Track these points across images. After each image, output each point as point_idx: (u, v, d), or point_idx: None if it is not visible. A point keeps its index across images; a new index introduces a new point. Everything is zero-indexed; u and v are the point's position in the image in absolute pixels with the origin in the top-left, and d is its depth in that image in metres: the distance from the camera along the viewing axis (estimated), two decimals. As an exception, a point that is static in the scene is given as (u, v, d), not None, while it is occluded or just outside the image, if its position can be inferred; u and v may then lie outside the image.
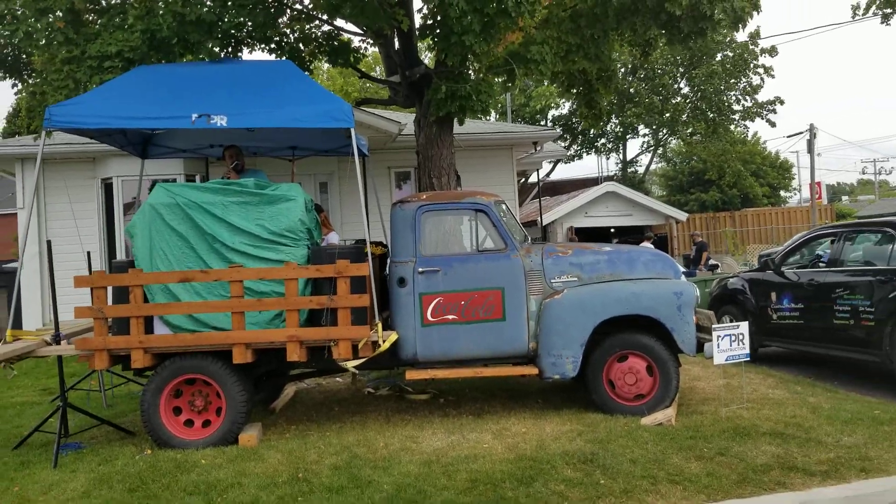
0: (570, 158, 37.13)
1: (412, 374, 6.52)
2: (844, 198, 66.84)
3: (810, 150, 37.78)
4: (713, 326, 6.33)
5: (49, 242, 6.70)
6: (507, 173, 14.72)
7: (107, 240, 13.16)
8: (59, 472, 5.76)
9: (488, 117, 11.36)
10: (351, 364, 6.24)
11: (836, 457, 5.34)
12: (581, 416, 6.56)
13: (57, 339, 6.43)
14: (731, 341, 6.35)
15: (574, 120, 32.77)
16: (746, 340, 6.44)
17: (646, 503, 4.71)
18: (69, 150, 12.86)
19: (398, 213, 6.71)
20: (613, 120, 33.24)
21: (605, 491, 4.90)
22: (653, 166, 44.11)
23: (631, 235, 21.98)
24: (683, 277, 6.99)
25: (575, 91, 9.81)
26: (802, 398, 7.15)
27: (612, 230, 23.30)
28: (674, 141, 38.81)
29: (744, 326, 6.45)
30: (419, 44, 9.45)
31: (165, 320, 6.36)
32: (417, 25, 9.06)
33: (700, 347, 6.58)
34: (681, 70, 31.57)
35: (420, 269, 6.50)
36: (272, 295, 6.35)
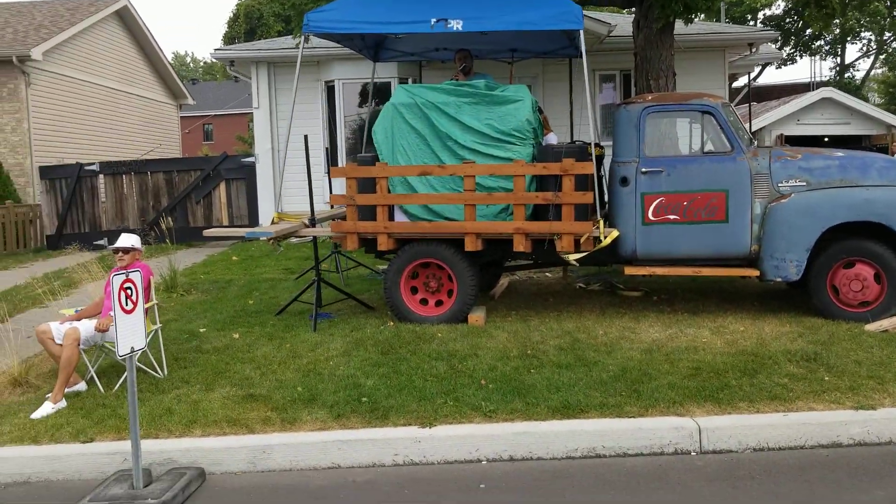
0: (782, 63, 34.55)
1: (631, 270, 6.83)
2: None
3: None
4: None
5: (306, 137, 7.50)
6: (719, 76, 14.17)
7: (329, 138, 14.26)
8: (319, 335, 6.70)
9: (700, 17, 10.93)
10: (572, 257, 6.65)
11: None
12: (800, 319, 6.61)
13: (313, 223, 7.32)
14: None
15: (788, 21, 30.32)
16: None
17: (873, 400, 4.82)
18: (296, 54, 13.91)
19: (623, 113, 6.89)
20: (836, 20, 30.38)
21: (830, 387, 5.04)
22: (872, 72, 40.11)
23: (847, 145, 20.48)
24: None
25: None
26: None
27: (826, 139, 21.79)
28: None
29: None
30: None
31: (405, 209, 7.05)
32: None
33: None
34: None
35: (643, 170, 6.69)
36: (499, 190, 6.83)
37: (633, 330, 6.52)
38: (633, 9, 9.46)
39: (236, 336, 6.86)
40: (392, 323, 6.94)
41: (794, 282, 6.57)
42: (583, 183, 6.59)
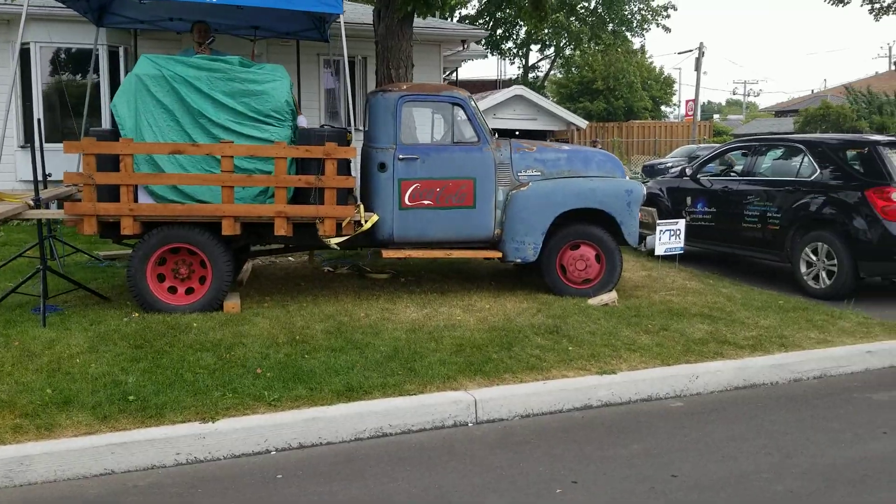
0: (472, 59, 37.27)
1: (388, 254, 7.04)
2: (716, 116, 70.45)
3: (697, 67, 39.66)
4: (658, 222, 7.17)
5: (39, 121, 6.58)
6: (435, 70, 14.98)
7: (22, 109, 12.58)
8: (51, 331, 5.95)
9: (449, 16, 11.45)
10: (333, 241, 6.67)
11: (758, 335, 6.36)
12: (534, 296, 7.33)
13: (38, 203, 6.47)
14: (670, 236, 7.23)
15: (480, 21, 32.82)
16: (682, 236, 7.34)
17: (612, 365, 5.54)
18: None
19: (379, 100, 7.04)
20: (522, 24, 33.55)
21: (575, 355, 5.69)
22: (551, 74, 45.00)
23: (534, 138, 22.80)
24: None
25: None
26: (716, 289, 8.21)
27: (517, 133, 24.04)
28: (568, 49, 39.71)
29: (681, 223, 7.34)
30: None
31: (150, 190, 6.53)
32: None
33: (641, 240, 7.43)
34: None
35: (400, 156, 6.92)
36: (257, 172, 6.62)
37: (391, 311, 6.73)
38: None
39: (-56, 335, 5.85)
40: (137, 314, 6.40)
41: (532, 262, 7.26)
42: (344, 167, 6.63)
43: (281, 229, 6.51)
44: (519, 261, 7.17)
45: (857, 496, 3.81)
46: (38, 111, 12.31)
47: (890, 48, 51.94)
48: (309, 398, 4.80)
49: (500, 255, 7.17)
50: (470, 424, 4.84)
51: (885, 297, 8.38)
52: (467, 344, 5.83)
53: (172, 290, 6.58)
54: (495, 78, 36.69)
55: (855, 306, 7.53)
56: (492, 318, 6.59)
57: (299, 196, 6.69)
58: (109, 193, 6.36)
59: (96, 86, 12.38)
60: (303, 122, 7.95)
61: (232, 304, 6.61)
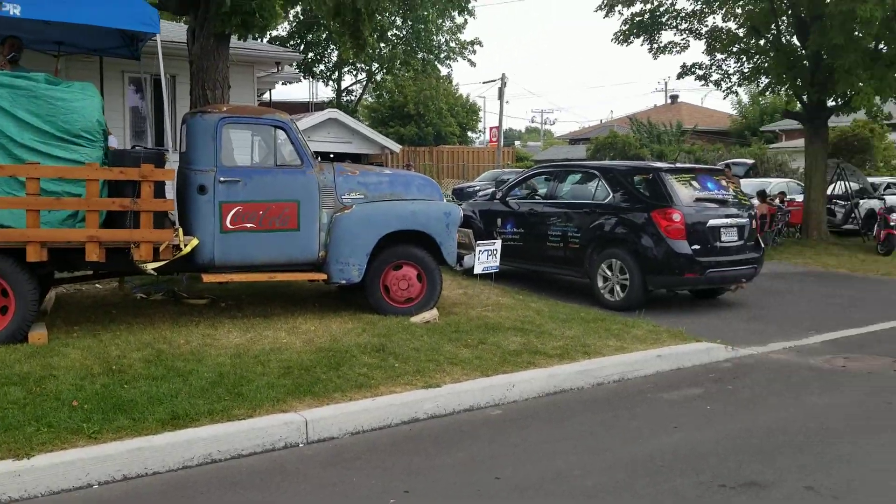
0: (287, 82, 36.98)
1: (209, 278, 6.92)
2: (517, 142, 74.31)
3: (500, 96, 41.80)
4: (477, 242, 7.60)
5: None
6: (248, 91, 14.80)
7: None
8: None
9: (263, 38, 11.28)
10: (150, 266, 6.47)
11: (564, 344, 6.92)
12: (359, 316, 7.49)
13: None
14: (488, 255, 7.69)
15: (291, 43, 32.68)
16: (499, 255, 7.82)
17: (436, 379, 5.82)
18: None
19: (198, 122, 6.93)
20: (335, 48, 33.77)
21: (401, 372, 5.91)
22: (363, 99, 45.53)
23: (350, 161, 23.03)
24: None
25: (344, 19, 10.25)
26: (526, 304, 8.79)
27: (332, 156, 24.15)
28: (380, 74, 40.48)
29: (497, 244, 7.83)
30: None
31: (-56, 215, 6.00)
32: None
33: (459, 260, 7.83)
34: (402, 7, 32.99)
35: (221, 179, 6.85)
36: (64, 195, 6.28)
37: (213, 337, 6.62)
38: (187, 17, 9.42)
39: None
40: (-75, 349, 5.85)
41: (355, 283, 7.42)
42: (160, 190, 6.46)
43: (93, 255, 6.22)
44: (344, 282, 7.31)
45: (655, 485, 4.31)
46: None
47: (666, 83, 57.56)
48: (132, 428, 4.65)
49: (325, 276, 7.27)
50: (301, 445, 4.90)
51: (671, 307, 9.37)
52: (295, 366, 5.87)
53: (-33, 321, 6.07)
54: (307, 100, 36.61)
55: (645, 316, 8.36)
56: (318, 339, 6.67)
57: (112, 219, 6.43)
58: None
59: None
60: (113, 142, 7.63)
61: (38, 334, 6.20)
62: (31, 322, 6.19)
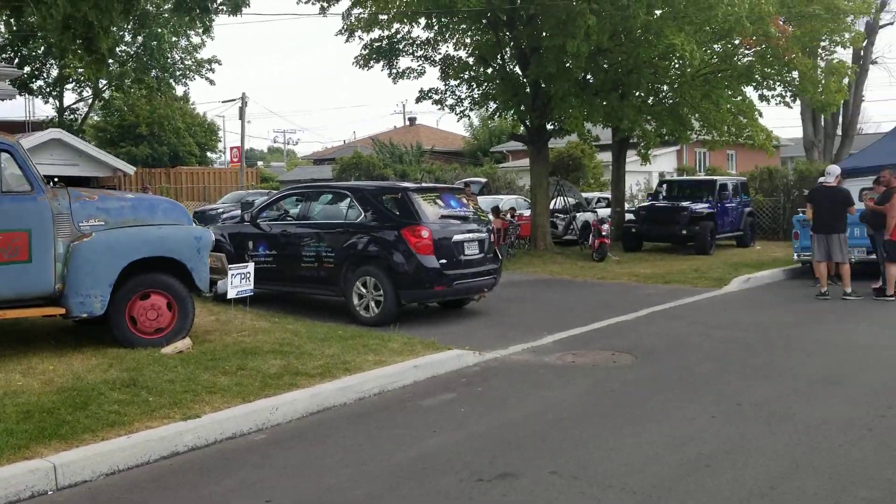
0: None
1: (-80, 319, 6.10)
2: (260, 163, 73.08)
3: (241, 116, 40.93)
4: (229, 266, 7.46)
5: None
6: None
7: None
8: None
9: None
10: None
11: (325, 363, 7.03)
12: (104, 350, 7.03)
13: None
14: (241, 279, 7.58)
15: (5, 56, 29.44)
16: (252, 278, 7.74)
17: (195, 409, 5.65)
18: None
19: None
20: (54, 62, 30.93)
21: (157, 405, 5.67)
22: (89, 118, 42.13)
23: (80, 185, 21.28)
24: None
25: (75, 33, 9.41)
26: (283, 326, 8.78)
27: (56, 180, 22.13)
28: (108, 92, 37.81)
29: (251, 267, 7.75)
30: None
31: None
32: None
33: (212, 285, 7.64)
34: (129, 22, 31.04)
35: (-68, 208, 6.10)
36: None
37: (-71, 386, 5.86)
38: None
39: None
40: None
41: (97, 316, 6.95)
42: None
43: None
44: (85, 315, 6.82)
45: (421, 487, 4.57)
46: None
47: (404, 105, 60.09)
48: None
49: (62, 311, 6.74)
50: (51, 492, 4.53)
51: (422, 319, 9.87)
52: (35, 409, 5.40)
53: None
54: (24, 119, 33.11)
55: (399, 329, 8.74)
56: (58, 378, 6.17)
57: None
58: None
59: None
60: None
61: None
62: None
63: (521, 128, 19.79)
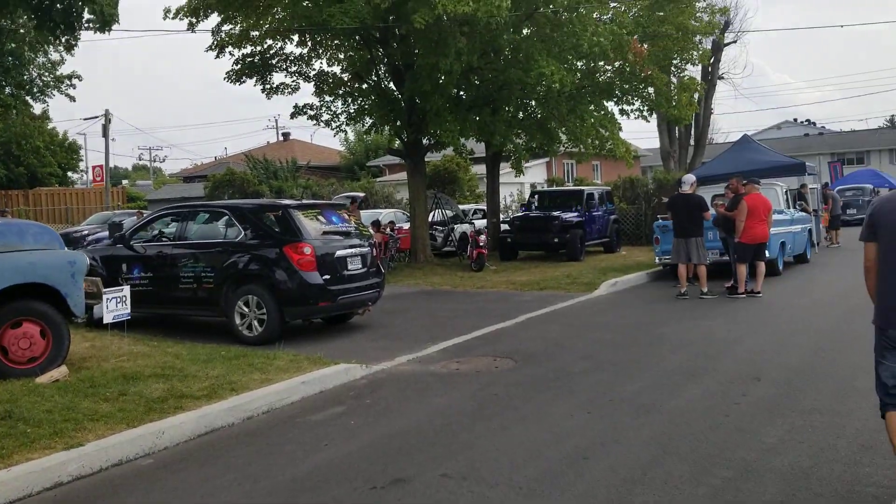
0: None
1: None
2: (125, 181, 70.09)
3: (105, 133, 39.19)
4: (104, 290, 7.27)
5: None
6: None
7: None
8: None
9: None
10: None
11: (210, 384, 6.97)
12: (-29, 385, 6.69)
13: None
14: (117, 303, 7.40)
15: None
16: (129, 302, 7.57)
17: (78, 438, 5.51)
18: None
19: None
20: None
21: (36, 436, 5.49)
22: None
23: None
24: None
25: None
26: (163, 349, 8.58)
27: None
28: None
29: (126, 290, 7.58)
30: None
31: None
32: None
33: (87, 310, 7.42)
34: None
35: None
36: None
37: None
38: None
39: None
40: None
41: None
42: None
43: None
44: (-52, 348, 6.47)
45: (316, 498, 4.68)
46: None
47: (276, 120, 59.29)
48: None
49: (-80, 345, 6.37)
50: (-78, 536, 4.34)
51: (307, 336, 9.90)
52: None
53: None
54: None
55: (284, 347, 8.75)
56: (-78, 416, 5.83)
57: None
58: None
59: None
60: None
61: None
62: None
63: (398, 142, 20.10)
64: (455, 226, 21.64)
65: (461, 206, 24.41)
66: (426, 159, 20.68)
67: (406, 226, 20.43)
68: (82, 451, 5.32)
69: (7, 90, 28.33)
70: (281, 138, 54.02)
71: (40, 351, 7.04)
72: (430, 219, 20.47)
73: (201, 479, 5.09)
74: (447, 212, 22.14)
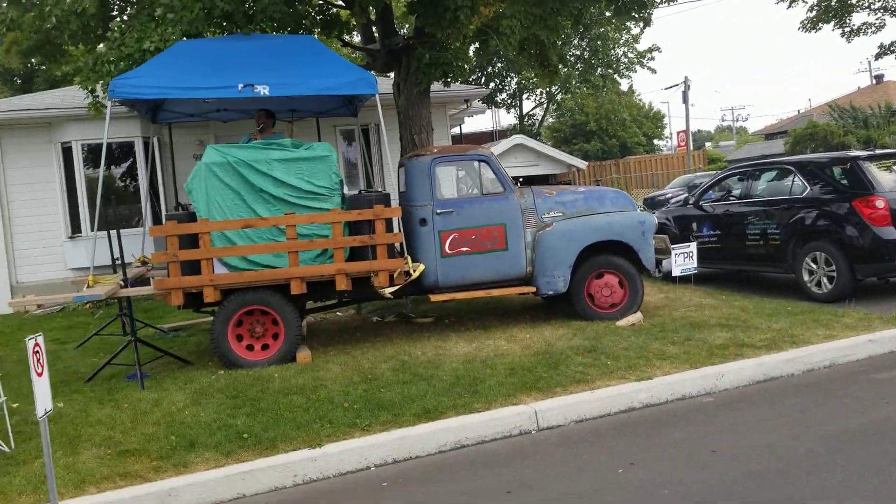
0: (472, 114, 38.92)
1: (435, 298, 7.92)
2: (708, 144, 71.72)
3: (685, 99, 40.97)
4: (672, 246, 8.05)
5: (111, 211, 7.54)
6: (442, 128, 16.03)
7: (68, 202, 13.58)
8: (152, 393, 6.80)
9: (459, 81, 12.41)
10: (387, 291, 7.56)
11: (771, 337, 7.17)
12: (568, 323, 8.17)
13: (126, 283, 7.38)
14: (684, 258, 8.10)
15: (473, 78, 34.28)
16: (695, 257, 8.21)
17: (647, 373, 6.36)
18: (24, 116, 13.23)
19: (415, 164, 8.01)
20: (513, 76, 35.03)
21: (614, 368, 6.52)
22: (545, 120, 46.56)
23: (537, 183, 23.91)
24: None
25: (530, 52, 11.15)
26: (729, 303, 9.04)
27: (521, 179, 25.15)
28: (560, 95, 41.21)
29: (693, 246, 8.22)
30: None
31: (224, 262, 7.44)
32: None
33: (657, 265, 8.30)
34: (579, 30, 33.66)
35: (438, 211, 7.86)
36: (315, 237, 7.54)
37: (444, 348, 7.58)
38: (392, 73, 10.70)
39: (61, 405, 6.69)
40: (222, 371, 7.25)
41: (560, 293, 8.12)
42: (390, 226, 7.57)
43: (342, 284, 7.41)
44: (551, 293, 8.04)
45: (863, 451, 4.60)
46: (63, 203, 13.41)
47: (870, 63, 53.23)
48: (394, 422, 5.61)
49: (533, 289, 8.05)
50: (533, 432, 5.64)
51: (882, 295, 9.19)
52: (518, 367, 6.66)
53: (250, 347, 7.45)
54: (491, 129, 38.08)
55: (856, 305, 8.34)
56: (534, 345, 7.42)
57: (352, 253, 7.60)
58: (190, 268, 7.28)
59: (132, 173, 13.47)
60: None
61: (304, 354, 7.46)
62: (297, 345, 7.46)
63: None
64: None
65: None
66: None
67: None
68: (651, 383, 6.13)
69: (598, 71, 31.90)
70: (873, 82, 48.61)
71: (619, 298, 8.17)
72: None
73: (754, 420, 5.41)
74: None
